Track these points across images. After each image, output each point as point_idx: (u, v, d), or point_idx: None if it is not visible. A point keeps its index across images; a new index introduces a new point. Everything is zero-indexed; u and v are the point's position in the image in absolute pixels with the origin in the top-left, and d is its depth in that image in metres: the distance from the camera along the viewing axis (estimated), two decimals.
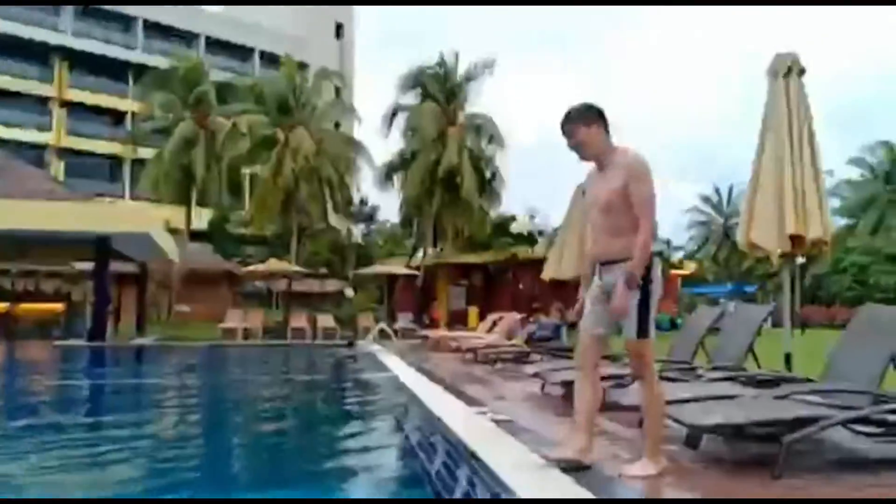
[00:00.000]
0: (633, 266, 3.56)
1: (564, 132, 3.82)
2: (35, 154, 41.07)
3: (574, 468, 3.62)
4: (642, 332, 3.62)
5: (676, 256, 41.41)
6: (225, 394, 9.59)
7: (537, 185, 66.55)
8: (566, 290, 12.95)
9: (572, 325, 12.35)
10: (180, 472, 4.45)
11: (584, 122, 3.76)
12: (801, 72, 6.09)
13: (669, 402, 4.31)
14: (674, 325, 22.39)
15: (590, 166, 3.92)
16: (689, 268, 39.03)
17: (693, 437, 4.31)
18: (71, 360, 15.00)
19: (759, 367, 5.87)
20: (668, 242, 38.27)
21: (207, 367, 14.29)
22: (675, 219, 53.22)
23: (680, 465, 3.96)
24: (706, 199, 54.37)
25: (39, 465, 4.36)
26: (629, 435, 4.85)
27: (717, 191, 53.98)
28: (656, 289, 3.65)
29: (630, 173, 3.63)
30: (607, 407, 5.48)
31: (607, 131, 3.79)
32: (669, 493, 3.37)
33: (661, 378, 5.65)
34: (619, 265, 3.65)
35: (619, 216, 3.64)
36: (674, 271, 30.51)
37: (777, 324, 7.34)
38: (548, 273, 11.77)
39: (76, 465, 4.35)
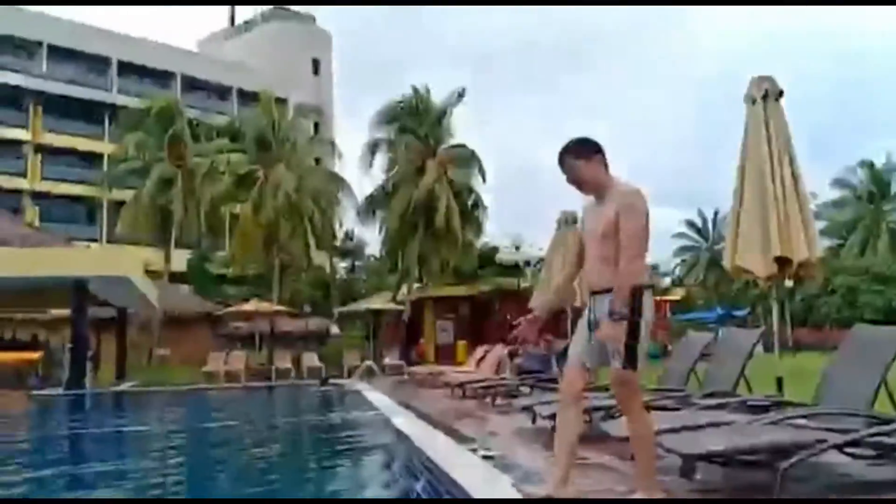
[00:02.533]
0: (615, 299, 3.53)
1: (563, 168, 3.81)
2: (9, 199, 40.62)
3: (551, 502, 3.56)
4: (628, 362, 3.54)
5: (665, 282, 41.49)
6: (207, 439, 9.36)
7: (520, 212, 66.66)
8: (554, 320, 12.89)
9: (562, 355, 12.29)
10: None
11: (582, 157, 3.77)
12: (780, 94, 6.11)
13: (663, 432, 4.23)
14: (666, 353, 22.34)
15: (589, 198, 3.89)
16: (678, 294, 39.10)
17: (688, 467, 4.21)
18: (49, 411, 14.64)
19: (750, 391, 5.82)
20: (655, 267, 38.43)
21: (188, 412, 14.00)
22: (662, 245, 53.71)
23: (675, 496, 3.87)
24: (691, 224, 54.85)
25: None
26: (622, 467, 4.76)
27: (703, 216, 54.47)
28: (646, 320, 3.58)
29: (620, 206, 3.62)
30: (600, 438, 5.40)
31: (605, 165, 3.79)
32: None
33: (654, 406, 5.59)
34: (608, 295, 3.61)
35: (612, 247, 3.62)
36: (662, 297, 30.57)
37: (769, 347, 7.29)
38: (534, 303, 11.70)
39: None
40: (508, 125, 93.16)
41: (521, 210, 60.99)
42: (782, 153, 5.89)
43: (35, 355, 22.92)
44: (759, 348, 6.51)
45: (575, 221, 11.01)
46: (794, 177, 5.87)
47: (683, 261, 54.77)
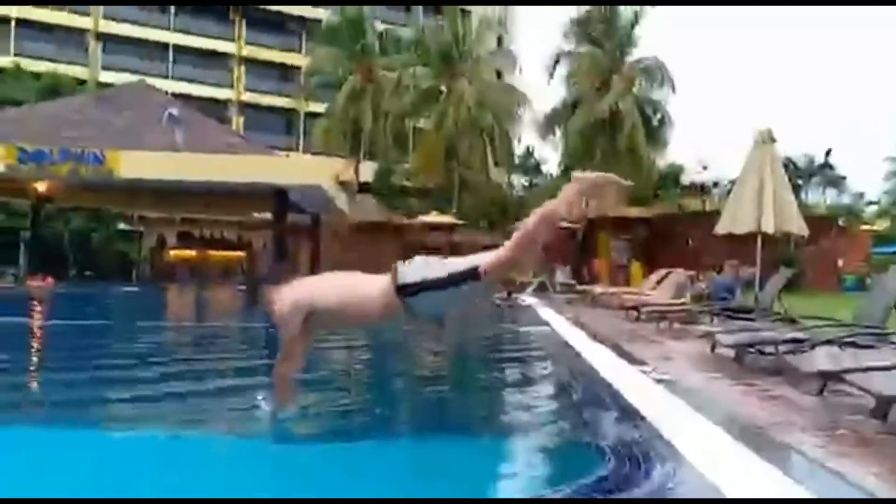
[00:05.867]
0: None
1: None
2: (218, 109, 44.01)
3: None
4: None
5: (867, 211, 38.08)
6: (386, 338, 9.95)
7: (710, 133, 62.98)
8: (741, 246, 12.28)
9: (748, 284, 11.72)
10: (355, 415, 4.69)
11: None
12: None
13: (855, 370, 4.02)
14: (863, 286, 20.70)
15: None
16: (882, 224, 35.82)
17: (881, 409, 3.98)
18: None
19: None
20: (861, 195, 35.39)
21: None
22: (871, 170, 49.04)
23: (863, 436, 3.70)
24: None
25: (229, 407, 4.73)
26: (805, 402, 4.57)
27: None
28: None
29: None
30: (784, 372, 5.20)
31: None
32: (852, 464, 3.13)
33: (846, 343, 5.25)
34: None
35: None
36: (864, 227, 28.18)
37: None
38: (722, 227, 11.21)
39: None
40: (700, 35, 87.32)
41: (712, 127, 57.69)
42: None
43: (241, 254, 25.29)
44: None
45: (773, 140, 10.33)
46: None
47: (892, 189, 49.61)
